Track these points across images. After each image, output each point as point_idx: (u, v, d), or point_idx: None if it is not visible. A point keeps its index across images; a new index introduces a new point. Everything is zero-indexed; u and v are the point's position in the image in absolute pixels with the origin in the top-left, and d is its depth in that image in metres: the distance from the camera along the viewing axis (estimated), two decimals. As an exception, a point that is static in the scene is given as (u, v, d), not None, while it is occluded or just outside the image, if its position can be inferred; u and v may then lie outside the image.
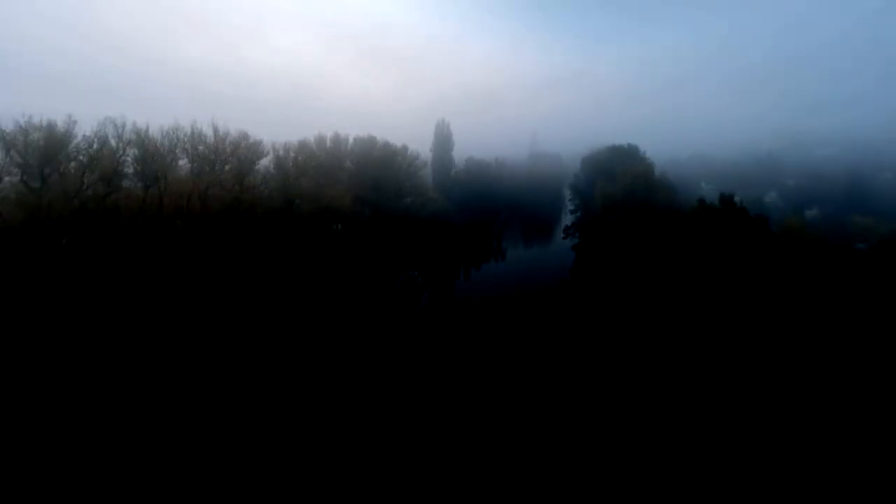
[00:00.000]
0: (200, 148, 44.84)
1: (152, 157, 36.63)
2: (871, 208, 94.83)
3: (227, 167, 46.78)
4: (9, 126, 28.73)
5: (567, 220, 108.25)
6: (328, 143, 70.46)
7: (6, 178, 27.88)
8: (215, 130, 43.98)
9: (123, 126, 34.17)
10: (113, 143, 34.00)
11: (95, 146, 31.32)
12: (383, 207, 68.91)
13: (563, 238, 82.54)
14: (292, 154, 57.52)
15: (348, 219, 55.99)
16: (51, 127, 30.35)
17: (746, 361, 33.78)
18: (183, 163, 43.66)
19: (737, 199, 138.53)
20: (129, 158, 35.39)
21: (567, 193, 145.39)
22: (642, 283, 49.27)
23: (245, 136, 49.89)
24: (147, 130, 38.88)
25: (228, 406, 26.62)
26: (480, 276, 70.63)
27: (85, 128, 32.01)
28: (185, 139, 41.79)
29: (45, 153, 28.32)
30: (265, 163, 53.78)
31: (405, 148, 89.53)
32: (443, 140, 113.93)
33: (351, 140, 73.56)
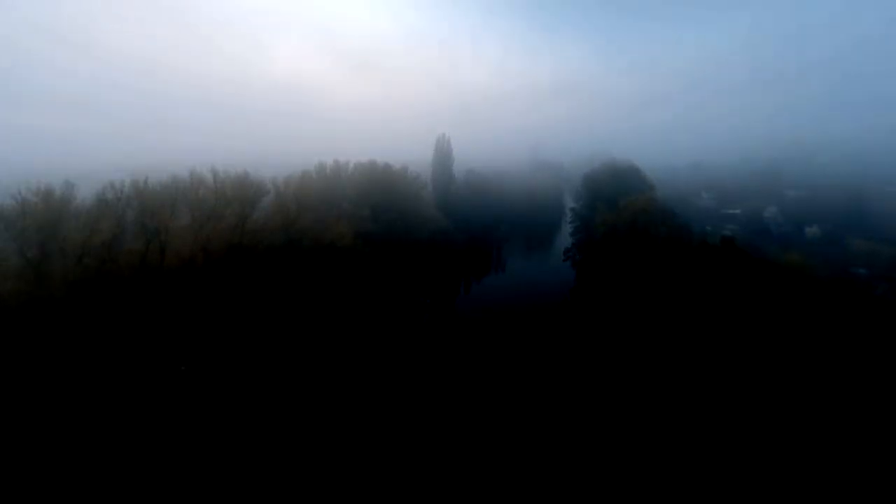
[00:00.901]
0: (201, 192, 44.69)
1: (152, 213, 36.47)
2: (873, 225, 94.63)
3: (228, 211, 46.59)
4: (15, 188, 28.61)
5: (567, 227, 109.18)
6: (328, 171, 70.31)
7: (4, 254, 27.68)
8: (215, 176, 43.72)
9: (122, 188, 33.96)
10: (112, 201, 33.82)
11: (95, 213, 31.15)
12: (384, 236, 68.98)
13: (564, 260, 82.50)
14: (293, 189, 57.35)
15: (350, 253, 55.82)
16: (48, 195, 30.16)
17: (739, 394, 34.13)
18: (184, 207, 43.37)
19: (737, 211, 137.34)
20: (129, 217, 35.19)
21: (568, 201, 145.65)
22: (642, 315, 49.40)
23: (245, 177, 49.77)
24: (146, 182, 38.76)
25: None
26: (482, 291, 72.14)
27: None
28: (186, 188, 41.59)
29: (43, 226, 28.17)
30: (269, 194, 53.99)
31: (405, 169, 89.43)
32: (443, 156, 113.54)
33: (351, 166, 73.36)
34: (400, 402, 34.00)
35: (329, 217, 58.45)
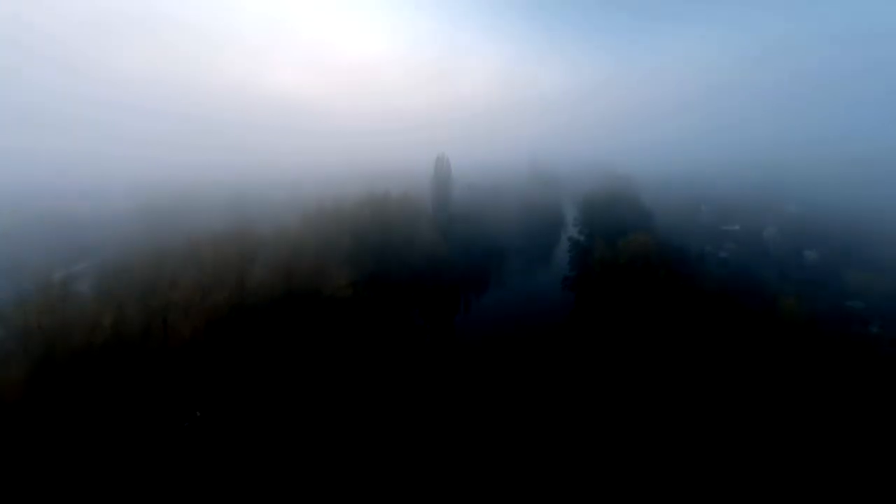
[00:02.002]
0: (202, 256, 45.27)
1: (153, 291, 37.06)
2: (872, 252, 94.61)
3: (227, 272, 47.16)
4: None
5: (566, 239, 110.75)
6: (328, 209, 70.82)
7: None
8: (216, 247, 44.23)
9: (124, 271, 34.51)
10: (113, 288, 34.40)
11: (96, 307, 31.79)
12: (385, 274, 69.77)
13: (562, 289, 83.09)
14: (292, 238, 57.85)
15: (351, 302, 56.47)
16: (48, 289, 30.76)
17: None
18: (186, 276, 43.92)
19: (736, 227, 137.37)
20: (130, 302, 35.78)
21: (567, 212, 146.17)
22: (636, 360, 50.21)
23: (245, 235, 50.31)
24: (146, 256, 39.25)
25: None
26: (480, 315, 74.06)
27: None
28: (186, 255, 42.11)
29: (45, 325, 28.85)
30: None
31: (405, 197, 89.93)
32: (442, 177, 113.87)
33: (350, 203, 73.83)
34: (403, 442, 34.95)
35: (329, 263, 58.96)
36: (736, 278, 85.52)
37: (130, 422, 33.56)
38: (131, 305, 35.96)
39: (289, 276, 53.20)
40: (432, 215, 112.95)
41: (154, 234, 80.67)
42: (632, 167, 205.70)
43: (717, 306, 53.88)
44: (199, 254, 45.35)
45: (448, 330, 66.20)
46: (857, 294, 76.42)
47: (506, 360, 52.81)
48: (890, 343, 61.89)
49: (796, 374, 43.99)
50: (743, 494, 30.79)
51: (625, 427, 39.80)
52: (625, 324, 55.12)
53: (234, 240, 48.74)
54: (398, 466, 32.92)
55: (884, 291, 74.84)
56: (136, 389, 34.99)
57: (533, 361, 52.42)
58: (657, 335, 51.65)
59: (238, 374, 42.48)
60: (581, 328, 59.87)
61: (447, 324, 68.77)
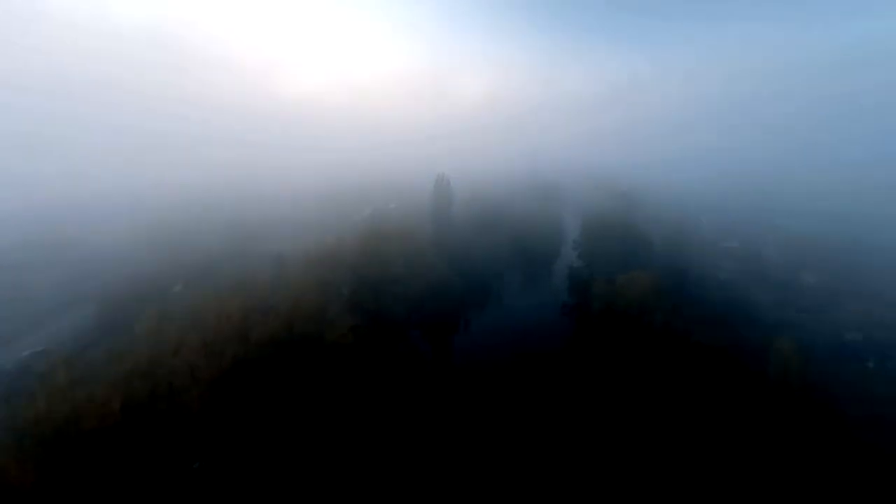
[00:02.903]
0: (207, 319, 46.03)
1: (160, 362, 37.85)
2: (872, 268, 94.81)
3: (230, 329, 47.96)
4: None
5: (567, 253, 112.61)
6: (330, 246, 71.53)
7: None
8: (219, 315, 44.96)
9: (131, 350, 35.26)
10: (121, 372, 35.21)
11: (105, 395, 32.61)
12: (384, 308, 70.67)
13: (562, 315, 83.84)
14: (293, 279, 58.61)
15: (353, 348, 57.30)
16: (51, 374, 31.56)
17: None
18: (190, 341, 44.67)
19: (735, 244, 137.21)
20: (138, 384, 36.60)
21: (568, 225, 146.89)
22: (628, 400, 51.02)
23: (246, 286, 51.03)
24: (155, 325, 39.92)
25: None
26: (481, 327, 78.83)
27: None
28: (187, 326, 42.89)
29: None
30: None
31: (405, 227, 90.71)
32: (442, 197, 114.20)
33: (350, 240, 74.44)
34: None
35: (330, 307, 59.77)
36: (734, 306, 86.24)
37: (135, 475, 34.55)
38: (137, 379, 36.77)
39: (290, 326, 54.04)
40: (432, 236, 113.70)
41: (153, 281, 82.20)
42: (637, 177, 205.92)
43: (712, 364, 53.91)
44: (201, 312, 46.10)
45: (447, 352, 70.51)
46: (855, 324, 76.80)
47: (503, 392, 55.30)
48: (886, 381, 62.65)
49: (788, 435, 44.71)
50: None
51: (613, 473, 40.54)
52: (618, 371, 55.83)
53: (236, 292, 49.48)
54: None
55: (882, 321, 75.35)
56: (141, 449, 35.96)
57: (528, 395, 54.12)
58: (650, 386, 52.22)
59: (242, 427, 43.47)
60: (577, 368, 60.46)
61: (447, 345, 72.81)
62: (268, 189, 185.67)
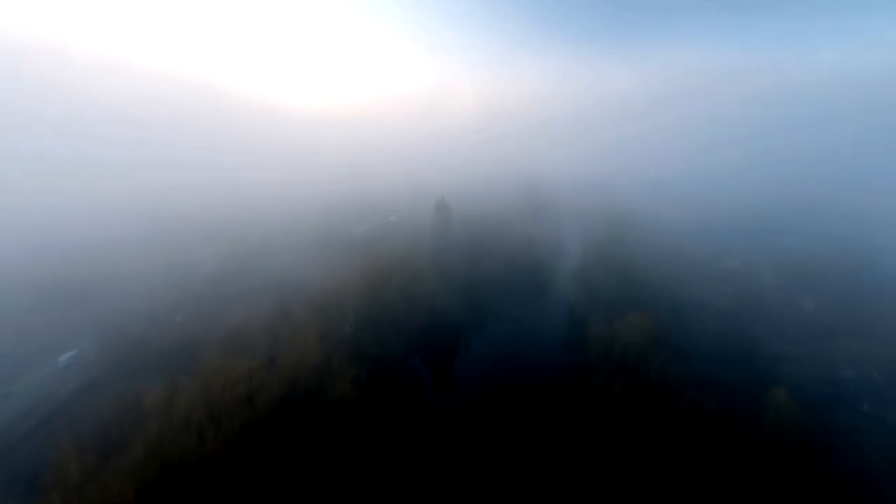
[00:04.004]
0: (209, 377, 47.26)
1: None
2: (871, 304, 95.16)
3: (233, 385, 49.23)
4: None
5: (564, 272, 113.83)
6: (332, 289, 72.58)
7: None
8: (225, 382, 46.13)
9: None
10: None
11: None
12: (386, 353, 71.88)
13: (561, 349, 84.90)
14: (295, 329, 59.72)
15: (352, 402, 58.54)
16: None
17: None
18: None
19: (735, 265, 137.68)
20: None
21: (567, 242, 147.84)
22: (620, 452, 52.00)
23: (252, 356, 52.17)
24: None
25: None
26: (478, 361, 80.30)
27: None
28: (195, 397, 44.08)
29: None
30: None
31: (406, 261, 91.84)
32: (442, 220, 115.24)
33: (350, 283, 75.44)
34: None
35: (332, 359, 60.91)
36: (732, 338, 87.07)
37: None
38: (149, 460, 38.04)
39: (294, 382, 55.28)
40: (432, 259, 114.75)
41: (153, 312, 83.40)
42: (642, 193, 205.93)
43: (704, 430, 54.17)
44: (208, 378, 47.31)
45: (447, 381, 73.62)
46: (851, 360, 77.53)
47: (496, 443, 56.64)
48: (879, 426, 63.42)
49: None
50: None
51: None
52: (610, 431, 56.39)
53: (240, 353, 50.67)
54: None
55: (877, 358, 76.05)
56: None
57: (521, 448, 55.41)
58: (640, 448, 52.88)
59: (249, 491, 44.82)
60: (570, 423, 60.82)
61: (446, 374, 75.78)
62: (268, 204, 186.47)
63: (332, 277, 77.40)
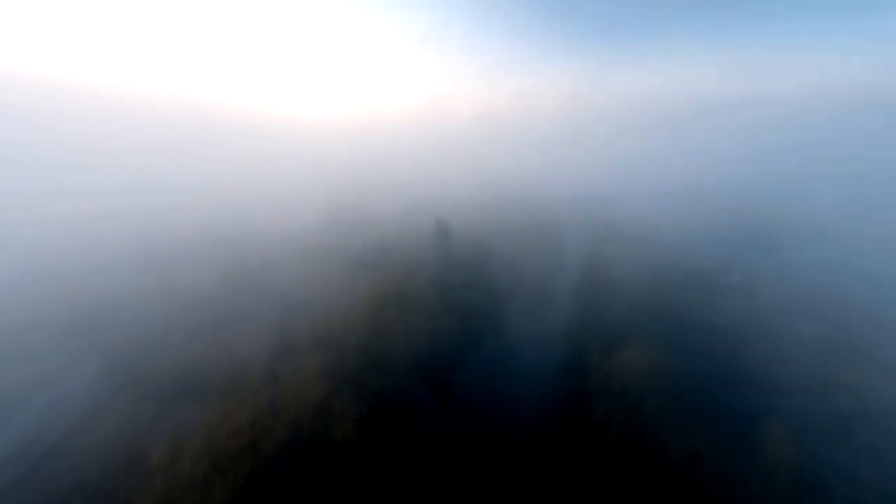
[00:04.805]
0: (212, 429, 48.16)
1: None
2: (870, 329, 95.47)
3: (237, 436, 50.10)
4: None
5: (563, 290, 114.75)
6: (333, 311, 73.44)
7: None
8: (229, 432, 47.00)
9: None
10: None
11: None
12: (388, 387, 72.79)
13: (558, 372, 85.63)
14: (298, 370, 60.56)
15: (355, 443, 59.47)
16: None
17: None
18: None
19: (735, 280, 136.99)
20: None
21: (567, 253, 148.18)
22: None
23: (254, 404, 52.97)
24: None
25: None
26: (478, 385, 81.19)
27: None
28: (199, 450, 44.96)
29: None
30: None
31: (408, 281, 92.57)
32: (443, 242, 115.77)
33: (352, 303, 76.21)
34: None
35: (335, 397, 61.81)
36: (730, 361, 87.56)
37: None
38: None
39: (297, 426, 56.17)
40: (432, 278, 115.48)
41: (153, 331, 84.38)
42: (648, 206, 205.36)
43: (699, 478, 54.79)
44: (212, 430, 48.23)
45: (447, 397, 75.85)
46: (849, 389, 77.86)
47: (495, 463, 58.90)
48: (876, 460, 63.86)
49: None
50: None
51: None
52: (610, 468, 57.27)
53: (243, 401, 51.55)
54: None
55: (876, 388, 76.36)
56: None
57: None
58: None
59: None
60: (563, 460, 61.67)
61: (446, 391, 78.02)
62: (266, 221, 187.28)
63: (332, 298, 77.93)
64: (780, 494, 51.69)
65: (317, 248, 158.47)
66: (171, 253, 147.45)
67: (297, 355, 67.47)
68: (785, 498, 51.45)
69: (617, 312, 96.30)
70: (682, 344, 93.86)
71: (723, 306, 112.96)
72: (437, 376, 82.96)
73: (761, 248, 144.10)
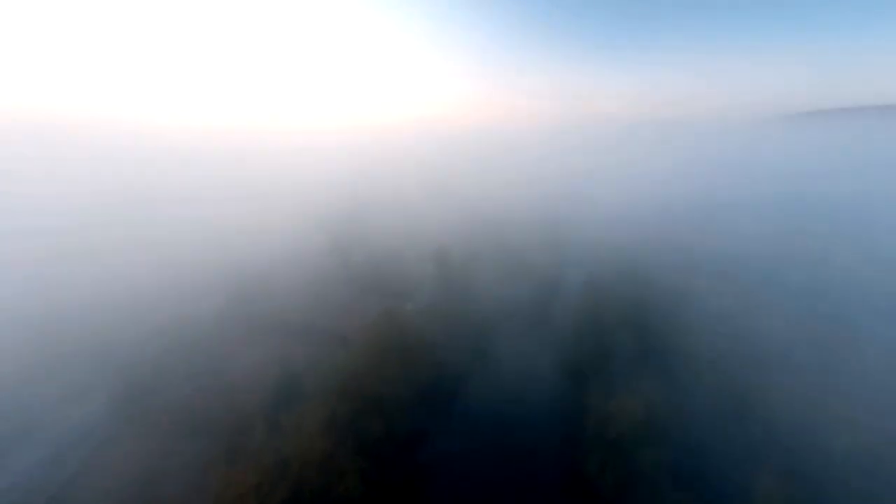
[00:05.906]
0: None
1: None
2: (866, 360, 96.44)
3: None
4: None
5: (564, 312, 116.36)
6: (333, 348, 74.85)
7: None
8: (235, 497, 48.37)
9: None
10: None
11: None
12: (391, 431, 74.11)
13: (554, 407, 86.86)
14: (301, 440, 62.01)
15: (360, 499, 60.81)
16: None
17: None
18: None
19: (730, 302, 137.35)
20: None
21: (570, 274, 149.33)
22: None
23: (261, 463, 54.36)
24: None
25: None
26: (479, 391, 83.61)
27: None
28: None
29: None
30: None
31: (407, 310, 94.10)
32: (444, 271, 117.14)
33: (354, 359, 77.67)
34: None
35: (339, 451, 63.18)
36: (726, 398, 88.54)
37: None
38: None
39: (301, 484, 57.60)
40: (432, 306, 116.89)
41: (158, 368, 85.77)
42: (652, 222, 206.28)
43: None
44: (220, 494, 49.64)
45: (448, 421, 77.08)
46: (843, 430, 78.81)
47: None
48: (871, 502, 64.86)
49: None
50: None
51: None
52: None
53: (244, 457, 52.95)
54: None
55: (869, 429, 77.33)
56: None
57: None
58: None
59: None
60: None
61: (447, 417, 79.50)
62: (267, 243, 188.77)
63: (332, 325, 79.10)
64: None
65: (317, 271, 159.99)
66: (173, 283, 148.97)
67: (299, 401, 68.81)
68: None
69: (617, 340, 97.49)
70: (677, 377, 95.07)
71: (717, 329, 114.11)
72: (437, 407, 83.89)
73: (757, 271, 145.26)
